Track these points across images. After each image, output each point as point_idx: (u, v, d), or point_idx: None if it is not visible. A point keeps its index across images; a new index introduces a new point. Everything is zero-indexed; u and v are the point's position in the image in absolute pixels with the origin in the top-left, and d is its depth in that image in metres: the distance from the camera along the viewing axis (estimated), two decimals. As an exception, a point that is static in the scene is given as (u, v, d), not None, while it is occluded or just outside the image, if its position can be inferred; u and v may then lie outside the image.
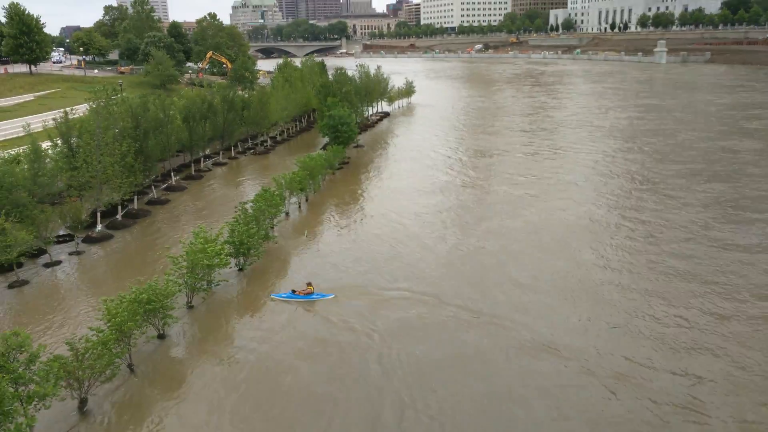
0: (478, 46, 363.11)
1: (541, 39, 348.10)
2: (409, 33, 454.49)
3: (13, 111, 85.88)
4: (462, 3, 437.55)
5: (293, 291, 35.53)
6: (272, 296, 35.81)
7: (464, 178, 63.37)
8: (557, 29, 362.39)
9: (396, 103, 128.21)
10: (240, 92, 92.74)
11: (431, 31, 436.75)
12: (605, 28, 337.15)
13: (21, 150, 54.99)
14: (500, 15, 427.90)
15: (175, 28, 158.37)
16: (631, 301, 33.70)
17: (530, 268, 38.78)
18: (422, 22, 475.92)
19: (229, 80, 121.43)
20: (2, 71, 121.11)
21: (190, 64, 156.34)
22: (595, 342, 29.47)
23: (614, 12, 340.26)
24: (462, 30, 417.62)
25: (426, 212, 51.14)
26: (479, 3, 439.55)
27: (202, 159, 74.18)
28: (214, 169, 73.06)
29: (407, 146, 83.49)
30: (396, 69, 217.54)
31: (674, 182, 58.87)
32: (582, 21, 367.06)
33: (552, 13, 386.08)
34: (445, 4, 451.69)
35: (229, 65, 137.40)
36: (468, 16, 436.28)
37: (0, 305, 35.80)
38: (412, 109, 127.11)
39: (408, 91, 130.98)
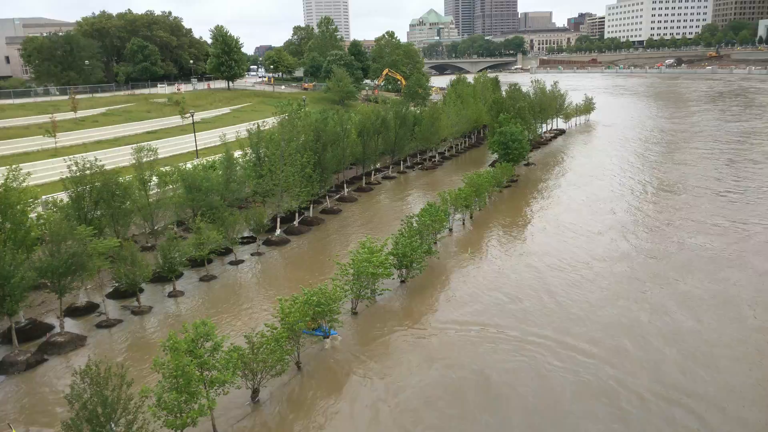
0: (669, 61, 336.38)
1: (746, 53, 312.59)
2: (591, 47, 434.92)
3: (213, 122, 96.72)
4: (653, 15, 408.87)
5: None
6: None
7: (644, 218, 54.70)
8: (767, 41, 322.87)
9: (572, 121, 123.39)
10: (412, 108, 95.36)
11: (615, 45, 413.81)
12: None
13: (216, 158, 61.75)
14: (697, 27, 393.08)
15: (356, 47, 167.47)
16: None
17: (729, 368, 28.90)
18: (606, 36, 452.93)
19: (402, 96, 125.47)
20: (206, 87, 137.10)
21: (367, 80, 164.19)
22: None
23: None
24: (651, 44, 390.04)
25: (593, 258, 44.55)
26: (673, 14, 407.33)
27: (373, 172, 77.40)
28: (383, 182, 75.85)
29: (580, 170, 78.95)
30: (574, 84, 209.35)
31: None
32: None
33: (762, 23, 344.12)
34: (633, 17, 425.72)
35: (404, 82, 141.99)
36: (659, 28, 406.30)
37: (192, 296, 40.35)
38: (590, 127, 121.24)
39: (586, 107, 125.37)
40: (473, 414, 25.99)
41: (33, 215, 38.33)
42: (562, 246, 47.78)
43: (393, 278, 39.53)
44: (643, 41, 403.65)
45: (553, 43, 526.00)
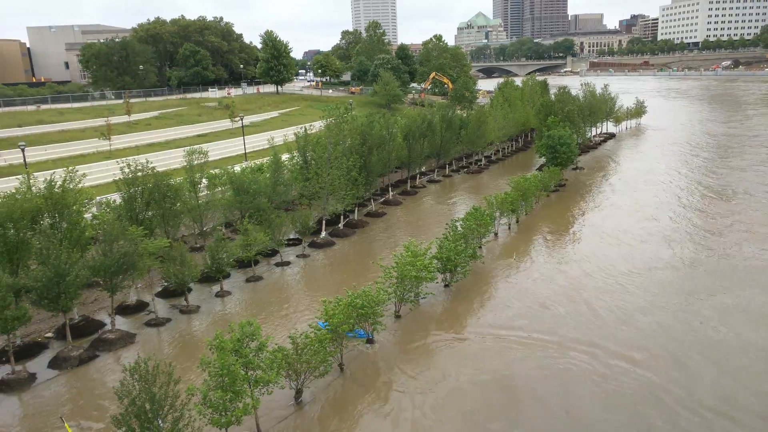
0: (726, 63, 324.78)
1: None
2: (643, 50, 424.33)
3: (261, 126, 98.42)
4: (709, 15, 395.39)
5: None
6: (318, 323, 31.29)
7: (695, 227, 52.45)
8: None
9: (623, 124, 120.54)
10: (459, 111, 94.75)
11: (669, 47, 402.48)
12: None
13: (264, 161, 62.66)
14: (756, 27, 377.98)
15: (403, 50, 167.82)
16: None
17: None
18: (659, 37, 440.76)
19: (449, 100, 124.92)
20: (255, 91, 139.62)
21: (413, 84, 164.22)
22: None
23: None
24: (706, 45, 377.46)
25: (636, 267, 42.81)
26: (730, 15, 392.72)
27: (418, 176, 77.16)
28: (428, 185, 75.49)
29: (630, 175, 76.88)
30: (625, 87, 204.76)
31: None
32: None
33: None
34: (688, 18, 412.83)
35: (451, 85, 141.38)
36: (715, 29, 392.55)
37: (239, 296, 40.95)
38: (641, 131, 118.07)
39: (638, 111, 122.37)
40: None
41: (88, 215, 39.61)
42: (607, 254, 46.41)
43: (437, 282, 39.21)
44: (698, 43, 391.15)
45: (604, 46, 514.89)
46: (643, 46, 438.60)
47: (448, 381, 28.96)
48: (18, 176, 41.70)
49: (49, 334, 35.51)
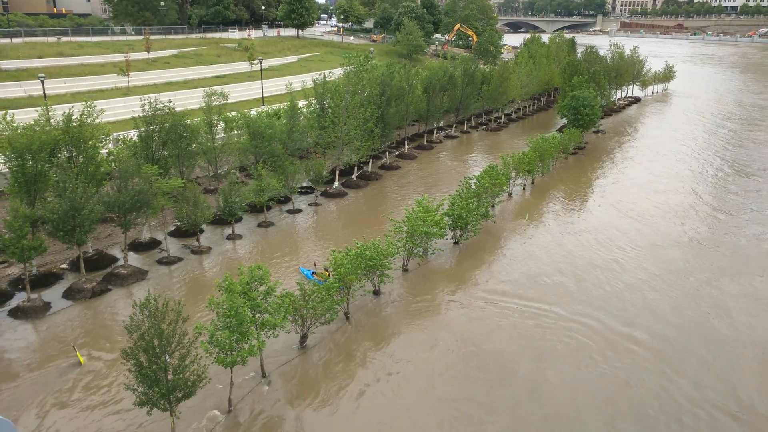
0: (764, 30, 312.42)
1: None
2: (678, 11, 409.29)
3: (280, 70, 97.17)
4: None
5: (313, 273, 34.45)
6: (300, 268, 36.04)
7: (714, 204, 51.03)
8: None
9: (649, 89, 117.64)
10: (481, 66, 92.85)
11: (705, 9, 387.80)
12: None
13: (281, 106, 62.19)
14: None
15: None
16: None
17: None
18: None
19: (472, 53, 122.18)
20: (276, 34, 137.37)
21: (437, 35, 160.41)
22: None
23: None
24: (745, 10, 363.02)
25: (647, 244, 41.58)
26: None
27: (435, 130, 76.31)
28: (445, 141, 74.71)
29: (651, 142, 75.31)
30: (655, 51, 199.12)
31: None
32: None
33: None
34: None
35: (475, 38, 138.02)
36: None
37: (249, 240, 41.41)
38: (667, 97, 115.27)
39: (666, 76, 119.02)
40: (497, 410, 25.85)
41: (104, 151, 39.80)
42: (617, 226, 45.60)
43: (447, 238, 39.32)
44: (736, 7, 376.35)
45: (637, 5, 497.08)
46: (678, 7, 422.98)
47: (443, 342, 29.25)
48: (37, 108, 41.74)
49: (64, 266, 36.33)
